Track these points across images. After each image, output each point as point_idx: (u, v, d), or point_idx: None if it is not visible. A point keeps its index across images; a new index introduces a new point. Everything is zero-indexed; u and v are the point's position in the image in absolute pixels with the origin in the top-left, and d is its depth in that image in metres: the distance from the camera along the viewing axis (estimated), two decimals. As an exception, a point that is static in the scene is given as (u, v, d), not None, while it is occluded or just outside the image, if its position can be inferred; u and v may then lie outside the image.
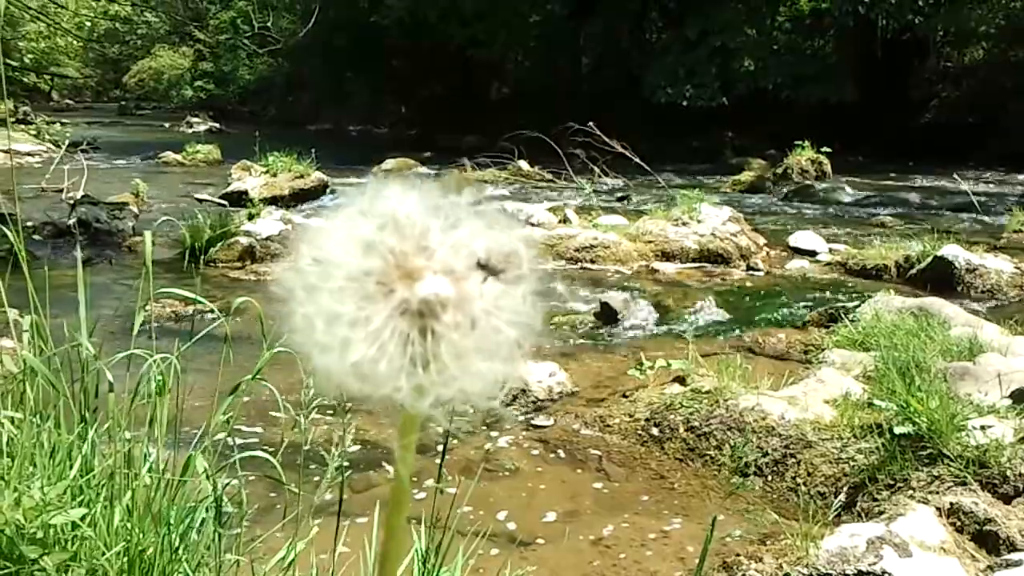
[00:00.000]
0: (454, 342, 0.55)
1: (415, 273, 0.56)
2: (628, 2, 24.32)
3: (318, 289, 0.56)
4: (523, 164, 15.35)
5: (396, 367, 0.54)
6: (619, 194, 13.32)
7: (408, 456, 0.62)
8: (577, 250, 8.84)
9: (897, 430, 3.57)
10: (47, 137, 17.96)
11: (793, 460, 3.83)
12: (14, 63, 20.28)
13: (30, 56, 22.61)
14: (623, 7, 24.33)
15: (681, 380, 4.61)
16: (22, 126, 19.13)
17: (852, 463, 3.68)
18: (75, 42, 21.70)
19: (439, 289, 0.55)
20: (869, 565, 2.76)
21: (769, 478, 3.84)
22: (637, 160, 12.29)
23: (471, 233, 0.58)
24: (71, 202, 9.63)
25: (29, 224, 8.99)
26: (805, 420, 3.97)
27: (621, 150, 12.59)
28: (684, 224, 9.26)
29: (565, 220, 9.65)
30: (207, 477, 1.79)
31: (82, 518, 1.57)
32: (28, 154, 17.16)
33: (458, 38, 25.95)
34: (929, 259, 7.68)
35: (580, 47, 26.97)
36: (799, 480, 3.76)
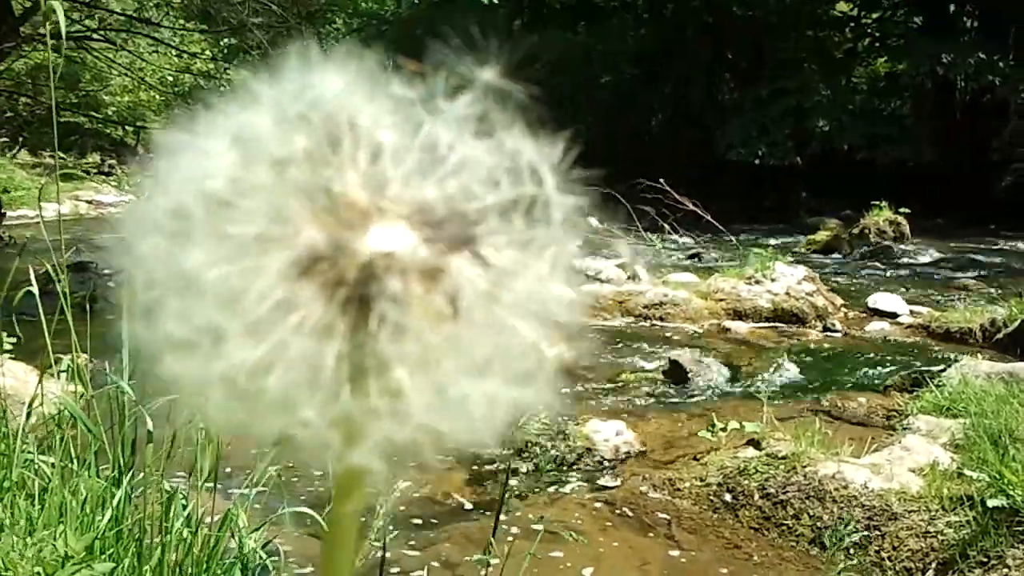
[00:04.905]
0: (422, 343, 0.30)
1: (358, 215, 0.31)
2: (699, 62, 24.28)
3: (177, 235, 0.32)
4: (592, 220, 15.27)
5: (300, 381, 0.31)
6: (690, 251, 13.12)
7: (346, 538, 0.38)
8: (646, 307, 8.64)
9: (990, 503, 3.35)
10: (126, 188, 18.41)
11: (877, 533, 3.59)
12: (99, 116, 20.95)
13: (113, 109, 23.37)
14: (694, 66, 24.29)
15: (755, 444, 4.39)
16: (103, 177, 19.68)
17: (941, 537, 3.43)
18: (157, 96, 22.39)
19: (399, 245, 0.31)
20: (966, 653, 2.53)
21: (851, 551, 3.59)
22: (708, 218, 12.07)
23: (463, 153, 0.34)
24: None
25: (106, 272, 9.17)
26: (890, 490, 3.73)
27: (692, 207, 12.40)
28: (757, 282, 9.01)
29: (634, 276, 9.47)
30: (239, 538, 1.66)
31: (109, 572, 1.45)
32: (111, 205, 17.58)
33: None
34: (1017, 323, 7.34)
35: (651, 106, 26.93)
36: (883, 555, 3.52)
